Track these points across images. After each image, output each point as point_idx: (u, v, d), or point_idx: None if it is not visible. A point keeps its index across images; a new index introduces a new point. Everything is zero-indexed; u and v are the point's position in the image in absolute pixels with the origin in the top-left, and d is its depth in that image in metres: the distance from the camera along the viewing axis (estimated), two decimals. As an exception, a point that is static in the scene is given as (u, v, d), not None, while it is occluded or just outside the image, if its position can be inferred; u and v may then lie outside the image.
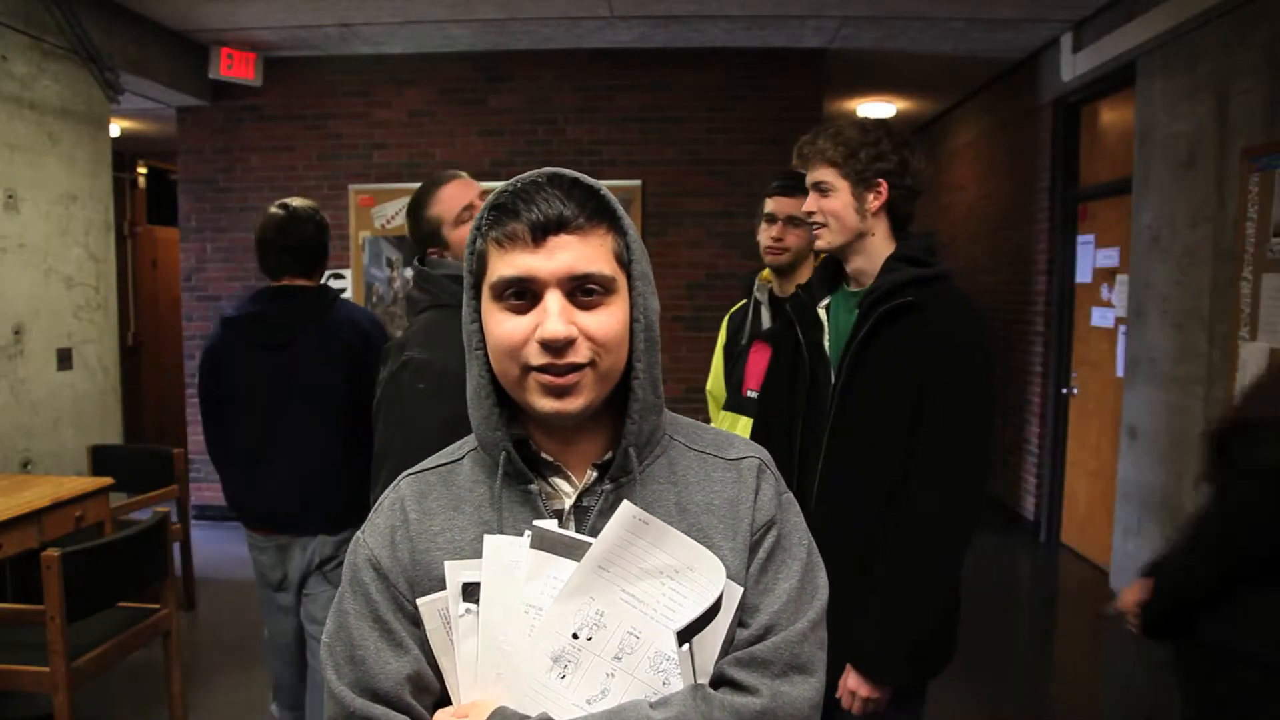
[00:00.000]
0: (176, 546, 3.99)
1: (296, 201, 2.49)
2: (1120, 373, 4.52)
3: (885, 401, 1.64)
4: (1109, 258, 4.76)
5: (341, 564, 2.57)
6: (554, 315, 0.84)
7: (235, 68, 5.15)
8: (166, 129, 5.94)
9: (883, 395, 1.65)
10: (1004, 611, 4.50)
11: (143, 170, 7.59)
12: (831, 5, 4.49)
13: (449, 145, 5.47)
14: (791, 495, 0.99)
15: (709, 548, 0.88)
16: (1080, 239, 5.07)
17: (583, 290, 0.86)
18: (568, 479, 0.93)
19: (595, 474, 0.92)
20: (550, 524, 0.88)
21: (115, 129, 5.35)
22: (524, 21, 4.80)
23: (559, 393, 0.86)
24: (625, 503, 0.86)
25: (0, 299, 3.73)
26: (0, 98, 3.72)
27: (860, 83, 6.07)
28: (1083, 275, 5.05)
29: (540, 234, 0.85)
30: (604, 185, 0.90)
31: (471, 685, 0.87)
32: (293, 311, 2.42)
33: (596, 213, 0.87)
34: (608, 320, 0.86)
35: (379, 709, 0.86)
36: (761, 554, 0.92)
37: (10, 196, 3.77)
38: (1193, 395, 3.77)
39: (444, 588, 0.88)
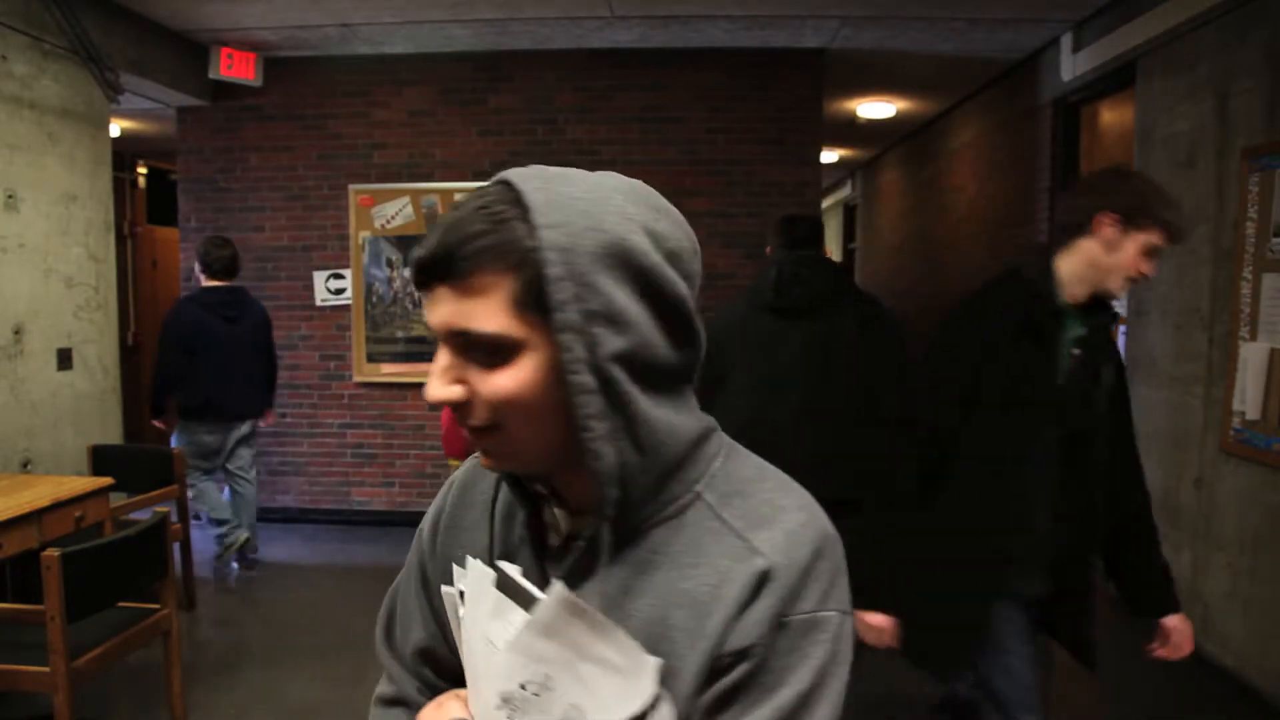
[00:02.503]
0: (176, 546, 3.99)
1: (227, 237, 4.68)
2: (1120, 373, 4.51)
3: (1122, 391, 2.04)
4: (1109, 258, 4.75)
5: (253, 435, 4.73)
6: (432, 376, 0.74)
7: (235, 68, 5.15)
8: (166, 129, 5.94)
9: (1119, 387, 2.03)
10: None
11: (143, 170, 7.59)
12: (831, 5, 4.49)
13: (449, 145, 5.47)
14: (826, 621, 0.73)
15: (671, 652, 0.73)
16: (1080, 239, 5.06)
17: (471, 345, 0.72)
18: (567, 508, 0.83)
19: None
20: (513, 569, 0.80)
21: (115, 129, 5.35)
22: (524, 21, 4.80)
23: (482, 452, 0.77)
24: (558, 586, 0.74)
25: (0, 299, 3.73)
26: (0, 98, 3.72)
27: (860, 83, 6.07)
28: (1083, 275, 5.04)
29: (424, 280, 0.73)
30: (541, 200, 0.71)
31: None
32: (238, 299, 4.49)
33: (486, 253, 0.70)
34: (503, 381, 0.72)
35: (396, 668, 0.93)
36: (721, 687, 0.72)
37: (10, 196, 3.77)
38: (1193, 395, 3.77)
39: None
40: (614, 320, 0.70)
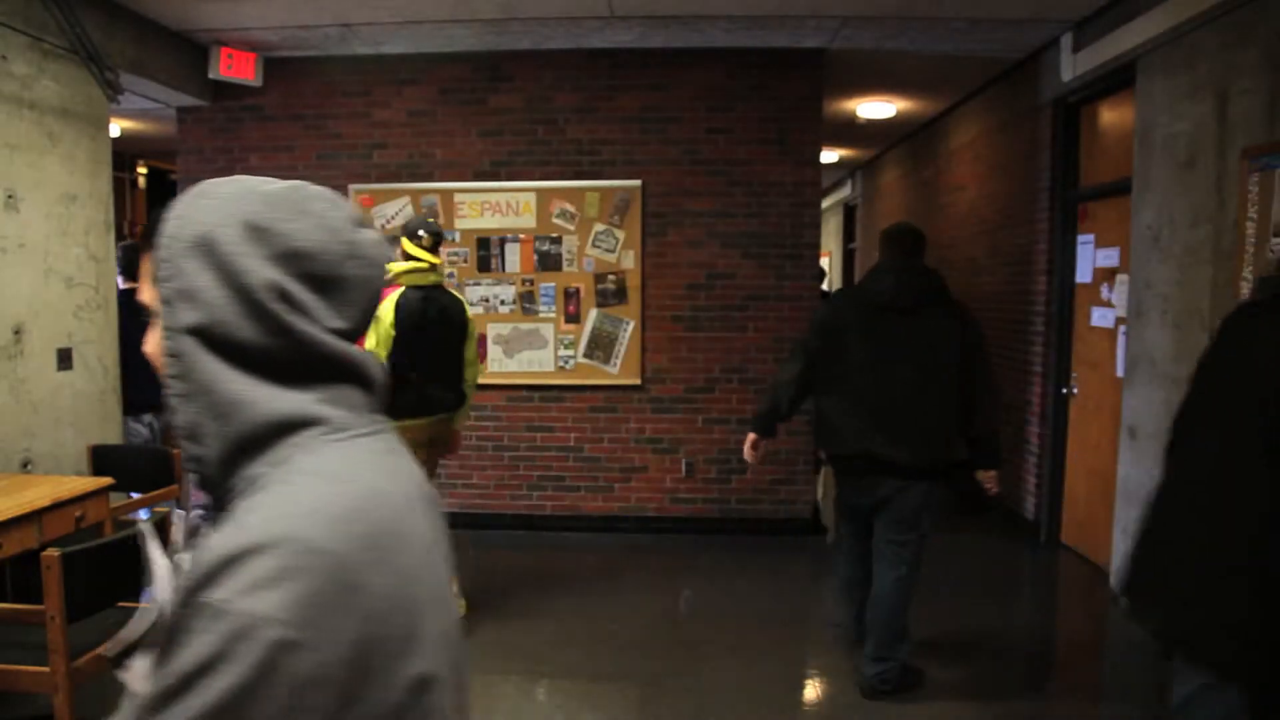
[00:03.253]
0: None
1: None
2: (1120, 372, 4.52)
3: None
4: (1109, 258, 4.76)
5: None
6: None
7: (235, 68, 5.15)
8: (166, 129, 5.95)
9: None
10: (1003, 611, 4.50)
11: (143, 170, 7.60)
12: (831, 5, 4.49)
13: (449, 145, 5.47)
14: (232, 614, 0.71)
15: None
16: (1080, 239, 5.07)
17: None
18: None
19: None
20: (144, 517, 1.02)
21: (115, 129, 5.35)
22: (524, 21, 4.80)
23: None
24: (143, 526, 0.99)
25: (0, 299, 3.73)
26: (0, 98, 3.72)
27: (860, 83, 6.08)
28: (1083, 275, 5.05)
29: None
30: (182, 199, 0.88)
31: None
32: None
33: (148, 238, 0.89)
34: (148, 342, 0.91)
35: None
36: (155, 644, 0.81)
37: (10, 196, 3.77)
38: (1193, 395, 3.77)
39: None
40: (190, 297, 0.84)
